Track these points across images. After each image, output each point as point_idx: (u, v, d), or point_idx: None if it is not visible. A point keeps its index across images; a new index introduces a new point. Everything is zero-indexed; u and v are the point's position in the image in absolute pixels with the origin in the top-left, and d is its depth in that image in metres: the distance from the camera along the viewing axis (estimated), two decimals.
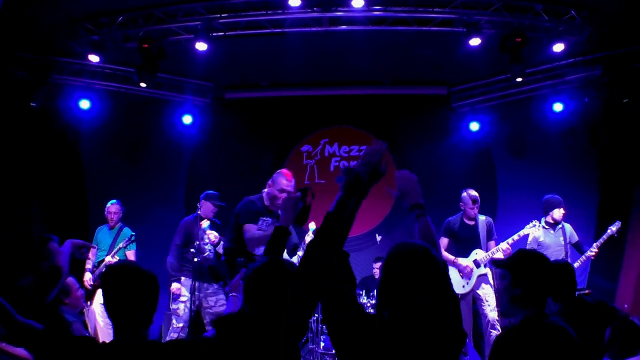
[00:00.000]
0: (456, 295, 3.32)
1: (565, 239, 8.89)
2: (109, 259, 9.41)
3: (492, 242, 8.87)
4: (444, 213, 9.41)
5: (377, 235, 9.77)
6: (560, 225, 8.98)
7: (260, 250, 6.91)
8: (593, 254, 8.68)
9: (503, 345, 3.70)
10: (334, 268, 3.08)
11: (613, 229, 8.74)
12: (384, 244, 8.83)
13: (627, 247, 9.81)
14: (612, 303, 9.49)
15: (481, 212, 9.12)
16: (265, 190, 7.18)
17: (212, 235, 8.49)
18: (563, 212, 8.95)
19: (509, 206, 11.65)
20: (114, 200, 9.93)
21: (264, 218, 7.08)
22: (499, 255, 8.62)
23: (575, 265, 8.71)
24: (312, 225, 8.43)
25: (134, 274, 3.42)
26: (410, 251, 3.13)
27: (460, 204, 9.06)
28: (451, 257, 8.87)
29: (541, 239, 8.94)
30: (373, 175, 3.28)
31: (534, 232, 8.94)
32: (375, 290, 9.68)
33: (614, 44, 10.02)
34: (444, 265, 3.22)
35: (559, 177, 10.98)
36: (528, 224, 8.94)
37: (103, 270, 9.30)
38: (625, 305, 9.59)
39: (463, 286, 8.72)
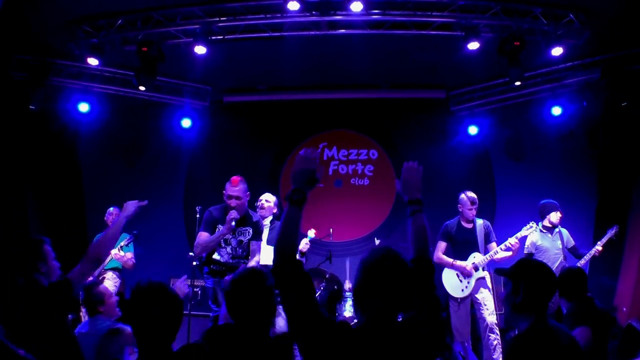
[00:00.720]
0: (437, 298, 3.36)
1: (562, 243, 8.89)
2: (114, 251, 9.30)
3: (492, 245, 8.85)
4: (443, 216, 9.41)
5: (375, 239, 9.77)
6: (557, 230, 8.99)
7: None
8: (599, 250, 8.67)
9: (515, 353, 3.81)
10: (288, 277, 3.11)
11: (612, 232, 8.76)
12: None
13: (625, 249, 9.83)
14: (611, 305, 9.58)
15: (479, 216, 9.11)
16: None
17: None
18: (560, 215, 8.97)
19: (507, 209, 11.67)
20: (114, 207, 9.88)
21: (220, 225, 7.12)
22: (503, 254, 8.61)
23: (581, 264, 8.74)
24: (310, 232, 8.45)
25: (162, 296, 3.57)
26: (381, 257, 3.19)
27: (458, 205, 9.05)
28: (449, 259, 8.86)
29: (539, 243, 8.95)
30: (309, 182, 3.39)
31: (532, 235, 8.95)
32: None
33: (612, 47, 10.05)
34: (429, 271, 3.38)
35: (557, 181, 11.00)
36: (525, 225, 8.94)
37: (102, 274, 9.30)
38: (624, 309, 9.60)
39: (462, 290, 8.71)
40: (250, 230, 7.27)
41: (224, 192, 7.14)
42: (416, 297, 3.26)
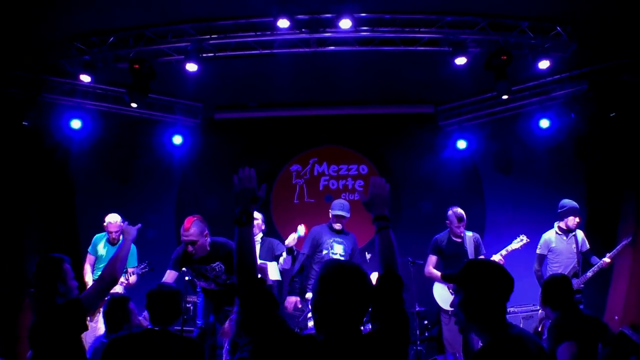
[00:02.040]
0: (405, 313, 3.38)
1: (577, 247, 8.90)
2: (123, 279, 9.27)
3: (482, 258, 8.91)
4: (432, 230, 9.49)
5: (366, 253, 9.85)
6: (573, 233, 9.00)
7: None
8: (607, 262, 8.73)
9: None
10: (251, 295, 3.22)
11: (626, 241, 8.82)
12: (372, 261, 8.88)
13: (616, 261, 9.88)
14: (602, 313, 9.62)
15: (469, 229, 9.18)
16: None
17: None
18: (578, 220, 8.97)
19: (497, 223, 11.74)
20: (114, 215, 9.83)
21: (194, 266, 7.04)
22: None
23: (588, 275, 8.77)
24: (300, 228, 8.48)
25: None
26: (337, 271, 3.20)
27: (447, 221, 9.12)
28: (439, 273, 8.93)
29: (553, 245, 8.94)
30: (252, 200, 3.59)
31: (547, 234, 8.97)
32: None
33: (600, 59, 10.14)
34: (398, 286, 3.42)
35: (546, 193, 11.06)
36: (515, 238, 9.00)
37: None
38: (616, 317, 9.66)
39: (451, 305, 8.77)
40: (222, 265, 7.02)
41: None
42: (383, 311, 3.30)
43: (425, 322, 10.22)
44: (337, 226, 8.49)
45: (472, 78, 10.46)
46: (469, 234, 9.07)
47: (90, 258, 9.64)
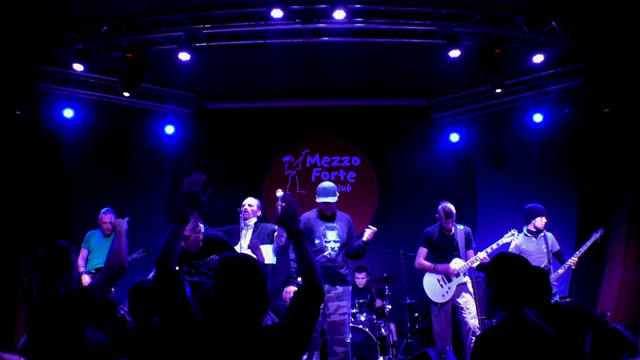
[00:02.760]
0: (314, 316, 3.49)
1: (547, 247, 8.94)
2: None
3: (471, 251, 8.89)
4: (423, 223, 9.47)
5: None
6: (542, 234, 9.03)
7: None
8: (574, 262, 8.77)
9: (483, 345, 3.81)
10: (165, 284, 3.43)
11: (597, 235, 8.85)
12: (366, 255, 8.88)
13: (608, 256, 9.92)
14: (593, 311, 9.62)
15: (460, 222, 9.18)
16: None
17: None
18: (545, 220, 9.01)
19: (489, 216, 11.76)
20: (106, 209, 9.86)
21: (190, 262, 6.92)
22: (477, 264, 8.68)
23: (559, 272, 8.81)
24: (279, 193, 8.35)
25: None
26: (229, 262, 3.34)
27: (437, 215, 9.12)
28: (430, 264, 8.93)
29: (523, 247, 8.97)
30: (193, 203, 3.77)
31: (515, 240, 9.01)
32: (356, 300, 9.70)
33: (594, 54, 10.15)
34: (318, 295, 3.49)
35: (538, 188, 11.09)
36: (506, 232, 9.01)
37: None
38: (608, 313, 9.67)
39: (443, 295, 8.74)
40: (215, 257, 6.82)
41: None
42: (294, 312, 3.40)
43: (416, 314, 10.24)
44: (328, 211, 7.95)
45: (465, 71, 10.49)
46: (460, 227, 9.06)
47: (83, 252, 9.64)
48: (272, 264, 8.65)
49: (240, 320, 3.18)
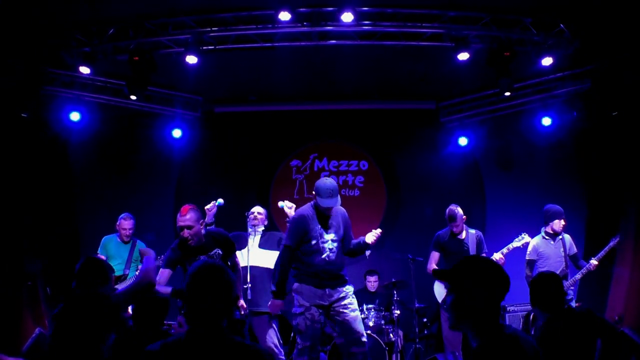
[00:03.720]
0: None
1: (565, 250, 8.85)
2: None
3: (479, 255, 8.83)
4: (432, 227, 9.43)
5: (366, 252, 9.80)
6: (560, 236, 8.93)
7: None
8: (593, 265, 8.68)
9: None
10: None
11: (614, 241, 8.76)
12: (372, 258, 8.81)
13: (617, 261, 9.81)
14: (602, 315, 9.54)
15: (470, 226, 9.12)
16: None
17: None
18: (563, 223, 8.90)
19: (498, 220, 11.71)
20: (126, 214, 9.66)
21: (192, 259, 6.83)
22: None
23: (577, 277, 8.74)
24: (280, 203, 8.26)
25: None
26: (200, 268, 3.35)
27: (446, 218, 9.06)
28: None
29: (541, 250, 8.88)
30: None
31: (534, 240, 8.92)
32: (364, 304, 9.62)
33: (602, 57, 10.06)
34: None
35: (547, 191, 11.02)
36: (516, 237, 8.94)
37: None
38: (616, 317, 9.59)
39: (444, 303, 8.72)
40: (220, 250, 7.06)
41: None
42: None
43: (425, 319, 10.18)
44: (328, 211, 7.20)
45: (474, 74, 10.46)
46: (472, 231, 9.00)
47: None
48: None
49: (211, 324, 3.21)
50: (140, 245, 9.50)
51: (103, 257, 9.30)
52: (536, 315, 5.66)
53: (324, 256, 6.98)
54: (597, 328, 5.26)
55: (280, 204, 8.23)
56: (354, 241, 7.33)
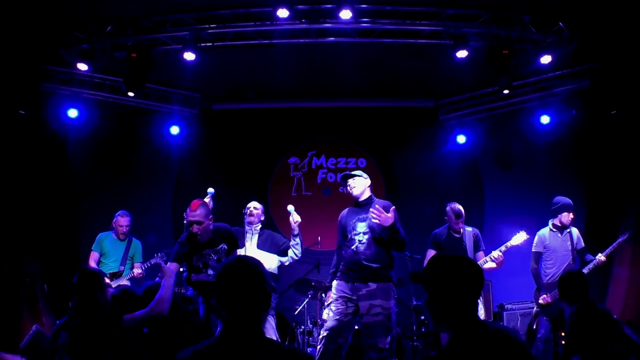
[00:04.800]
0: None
1: (572, 244, 8.79)
2: (137, 271, 9.34)
3: (481, 253, 8.78)
4: (431, 225, 9.41)
5: None
6: (568, 230, 8.87)
7: None
8: (600, 260, 8.62)
9: None
10: None
11: (624, 237, 8.70)
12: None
13: (615, 261, 9.81)
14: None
15: (468, 224, 9.10)
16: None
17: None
18: (572, 216, 8.83)
19: (496, 218, 11.70)
20: (122, 212, 9.61)
21: (200, 253, 7.01)
22: (490, 265, 8.57)
23: (584, 272, 8.72)
24: (290, 207, 8.23)
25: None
26: (232, 267, 3.15)
27: (445, 217, 9.03)
28: None
29: (547, 242, 8.80)
30: None
31: (542, 231, 8.87)
32: None
33: (601, 55, 10.07)
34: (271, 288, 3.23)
35: (546, 189, 10.98)
36: (515, 234, 8.92)
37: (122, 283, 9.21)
38: (614, 317, 9.60)
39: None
40: (225, 245, 7.14)
41: (185, 215, 6.98)
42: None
43: (422, 317, 10.16)
44: (351, 190, 7.29)
45: (472, 72, 10.45)
46: (469, 229, 8.97)
47: (94, 255, 9.44)
48: (274, 274, 8.55)
49: (243, 326, 3.03)
50: (136, 244, 9.49)
51: (95, 266, 9.31)
52: (564, 307, 6.10)
53: (353, 247, 6.97)
54: (613, 328, 5.79)
55: (290, 207, 8.16)
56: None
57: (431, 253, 8.94)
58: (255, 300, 3.04)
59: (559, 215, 8.81)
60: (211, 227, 7.01)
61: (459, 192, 11.22)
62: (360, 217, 7.14)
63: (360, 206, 7.22)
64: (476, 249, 8.84)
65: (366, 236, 7.01)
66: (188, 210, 6.87)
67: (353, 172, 7.35)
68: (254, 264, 3.14)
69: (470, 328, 3.13)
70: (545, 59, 9.38)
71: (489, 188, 12.28)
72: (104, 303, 5.25)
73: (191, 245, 6.95)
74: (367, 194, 7.36)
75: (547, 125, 11.13)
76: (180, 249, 6.94)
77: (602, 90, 10.30)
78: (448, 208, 8.91)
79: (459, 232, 8.88)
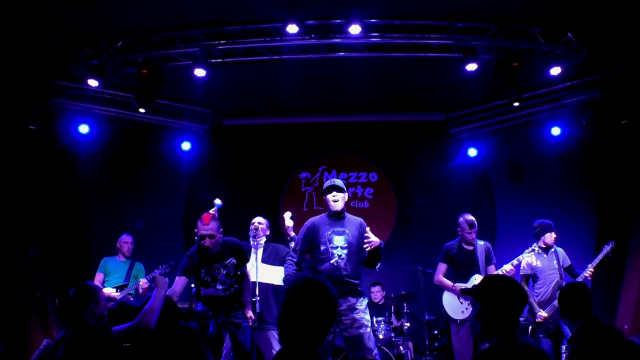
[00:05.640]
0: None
1: (559, 263, 8.81)
2: (143, 280, 9.30)
3: (492, 267, 8.76)
4: (442, 238, 9.38)
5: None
6: (552, 249, 8.90)
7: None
8: (589, 274, 8.63)
9: None
10: None
11: (607, 248, 8.71)
12: (382, 270, 8.77)
13: (627, 270, 9.78)
14: (612, 323, 9.51)
15: (480, 237, 9.07)
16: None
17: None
18: (554, 236, 8.86)
19: (508, 231, 11.65)
20: (127, 234, 9.67)
21: (208, 267, 7.02)
22: None
23: None
24: (287, 214, 8.25)
25: None
26: (305, 286, 3.14)
27: (458, 229, 8.99)
28: (449, 283, 8.80)
29: (534, 264, 8.84)
30: None
31: (527, 257, 8.89)
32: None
33: (610, 66, 10.05)
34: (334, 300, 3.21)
35: (557, 201, 11.00)
36: (527, 248, 8.90)
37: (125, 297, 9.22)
38: (625, 327, 9.56)
39: (462, 312, 8.61)
40: (234, 259, 7.15)
41: (196, 231, 6.98)
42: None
43: (435, 331, 10.12)
44: (333, 203, 7.07)
45: (482, 85, 10.46)
46: (480, 242, 8.94)
47: (99, 276, 9.50)
48: (280, 285, 8.54)
49: (307, 344, 3.04)
50: (139, 265, 9.49)
51: (96, 282, 9.34)
52: (562, 326, 5.84)
53: (332, 261, 6.77)
54: (617, 341, 5.33)
55: (286, 214, 8.23)
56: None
57: (442, 266, 8.90)
58: (316, 325, 3.06)
59: (542, 237, 8.83)
60: (220, 240, 7.03)
61: (470, 204, 11.15)
62: (336, 229, 6.97)
63: (335, 218, 7.05)
64: (488, 262, 8.80)
65: (345, 251, 6.83)
66: (200, 224, 6.88)
67: (338, 184, 7.10)
68: (322, 288, 3.15)
69: (512, 339, 3.65)
70: (555, 71, 9.38)
71: (501, 201, 12.25)
72: (99, 316, 5.30)
73: (200, 259, 6.96)
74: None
75: (558, 136, 11.13)
76: (189, 262, 6.97)
77: (611, 100, 10.28)
78: (461, 219, 8.89)
79: (471, 245, 8.85)
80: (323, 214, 7.20)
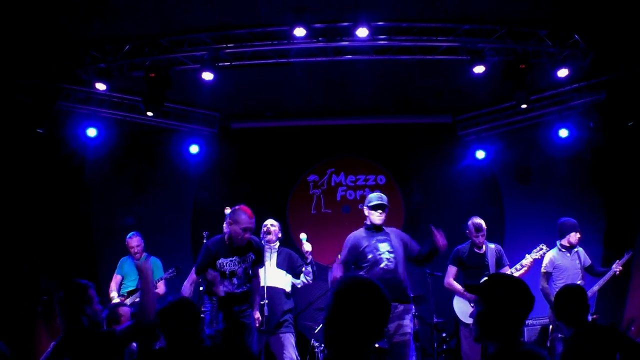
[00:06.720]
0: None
1: (580, 263, 8.80)
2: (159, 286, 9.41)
3: (506, 269, 8.79)
4: (451, 242, 9.36)
5: None
6: (575, 249, 8.89)
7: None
8: (618, 271, 8.62)
9: None
10: None
11: (629, 256, 8.74)
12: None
13: (634, 272, 9.75)
14: (619, 325, 9.48)
15: (488, 240, 9.07)
16: (226, 230, 7.26)
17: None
18: (579, 236, 8.86)
19: (516, 233, 11.62)
20: (132, 233, 9.73)
21: (230, 259, 7.06)
22: (520, 273, 8.60)
23: (595, 289, 8.68)
24: (302, 236, 8.29)
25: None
26: (358, 287, 3.02)
27: (467, 232, 9.01)
28: (460, 287, 8.79)
29: (558, 262, 8.82)
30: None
31: (550, 253, 8.87)
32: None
33: (618, 67, 10.03)
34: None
35: (565, 203, 10.99)
36: (534, 248, 8.89)
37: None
38: (632, 329, 9.53)
39: (470, 316, 8.62)
40: (252, 255, 7.21)
41: (228, 221, 7.05)
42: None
43: (444, 334, 10.10)
44: (378, 218, 7.52)
45: (490, 87, 10.44)
46: (491, 245, 8.94)
47: (116, 278, 9.62)
48: (287, 292, 8.53)
49: (360, 345, 2.93)
50: (153, 261, 9.50)
51: (115, 288, 9.44)
52: (561, 329, 5.65)
53: (382, 265, 7.17)
54: (618, 342, 5.20)
55: (302, 236, 8.25)
56: (423, 247, 7.55)
57: (452, 269, 8.93)
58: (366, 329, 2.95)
59: (567, 236, 8.86)
60: (247, 235, 7.07)
61: (478, 207, 11.16)
62: (379, 238, 7.44)
63: (375, 230, 7.55)
64: (499, 265, 8.81)
65: (392, 255, 7.27)
66: (246, 217, 6.94)
67: (385, 203, 7.63)
68: (374, 289, 3.02)
69: (512, 346, 3.41)
70: (562, 72, 9.35)
71: (509, 203, 12.22)
72: (93, 316, 5.13)
73: (221, 249, 7.04)
74: None
75: (566, 138, 11.12)
76: (206, 255, 7.04)
77: (618, 101, 10.27)
78: (469, 222, 8.92)
79: (481, 248, 8.85)
80: (361, 228, 7.69)
